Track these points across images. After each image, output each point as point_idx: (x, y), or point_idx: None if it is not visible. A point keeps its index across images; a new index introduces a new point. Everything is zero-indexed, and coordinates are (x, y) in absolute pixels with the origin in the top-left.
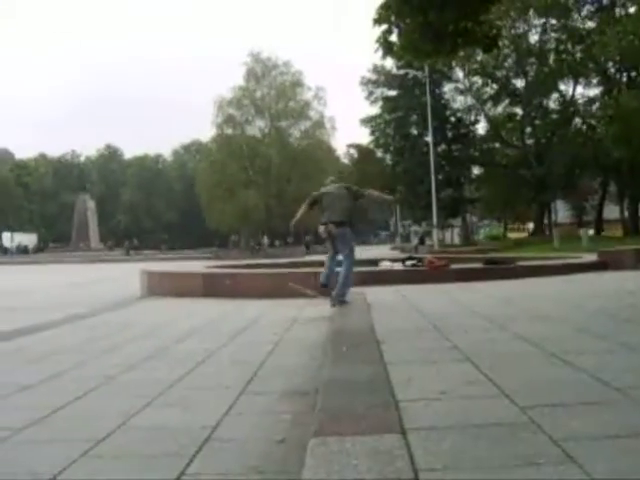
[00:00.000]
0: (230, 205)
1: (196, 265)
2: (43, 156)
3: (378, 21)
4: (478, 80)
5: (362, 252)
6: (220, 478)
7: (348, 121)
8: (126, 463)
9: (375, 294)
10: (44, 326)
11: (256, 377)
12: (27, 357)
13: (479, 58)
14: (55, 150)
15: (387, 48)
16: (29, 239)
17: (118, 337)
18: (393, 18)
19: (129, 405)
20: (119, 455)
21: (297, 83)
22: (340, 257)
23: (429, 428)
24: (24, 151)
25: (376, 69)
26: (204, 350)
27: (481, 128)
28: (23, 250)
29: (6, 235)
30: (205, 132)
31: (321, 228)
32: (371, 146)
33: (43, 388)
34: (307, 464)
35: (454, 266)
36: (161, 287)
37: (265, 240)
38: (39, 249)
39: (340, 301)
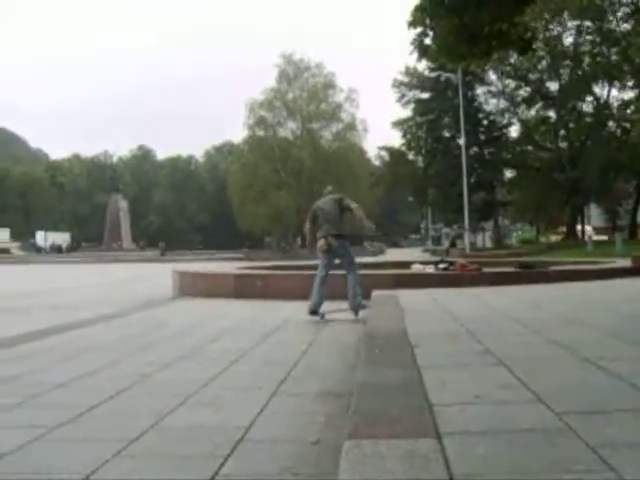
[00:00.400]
0: (262, 207)
1: (227, 266)
2: (77, 157)
3: (413, 24)
4: (511, 83)
5: (393, 255)
6: (254, 479)
7: (380, 123)
8: (159, 463)
9: (407, 297)
10: (78, 324)
11: (289, 378)
12: (61, 355)
13: (512, 60)
14: (89, 151)
15: (422, 50)
16: (62, 238)
17: (152, 336)
18: (428, 20)
19: (163, 404)
20: (152, 455)
21: (329, 85)
22: (336, 264)
23: (464, 433)
24: (58, 152)
25: (408, 71)
26: (237, 350)
27: (514, 131)
28: (57, 249)
29: (40, 234)
30: (237, 134)
31: (320, 242)
32: (403, 148)
33: (77, 386)
34: (342, 466)
35: (486, 270)
36: (193, 287)
37: (298, 242)
38: (72, 248)
39: (361, 308)
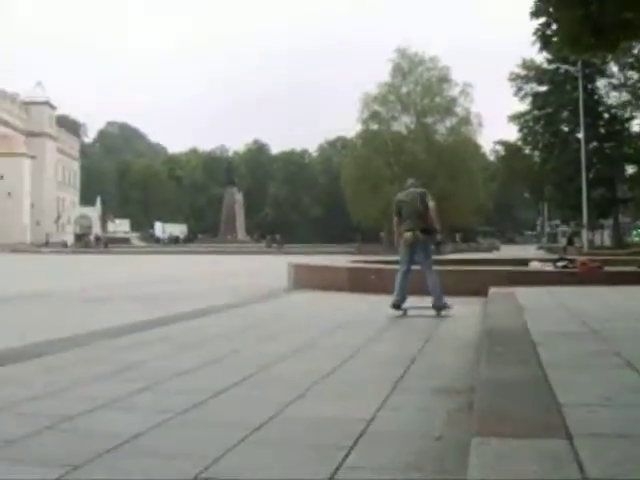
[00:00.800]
0: (374, 200)
1: (340, 259)
2: (194, 150)
3: (535, 14)
4: (634, 74)
5: (507, 251)
6: (378, 473)
7: (494, 117)
8: (283, 452)
9: (526, 295)
10: (198, 313)
11: (408, 373)
12: (183, 343)
13: (636, 51)
14: (205, 145)
15: (544, 42)
16: (180, 230)
17: (269, 328)
18: (551, 10)
19: (283, 395)
20: (276, 444)
21: (444, 79)
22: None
23: (596, 435)
24: (176, 146)
25: (525, 64)
26: (353, 344)
27: (636, 125)
28: (174, 240)
29: (158, 225)
30: (350, 128)
31: (407, 234)
32: (519, 143)
33: (200, 373)
34: (471, 464)
35: (607, 268)
36: (307, 280)
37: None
38: (189, 239)
39: (445, 308)
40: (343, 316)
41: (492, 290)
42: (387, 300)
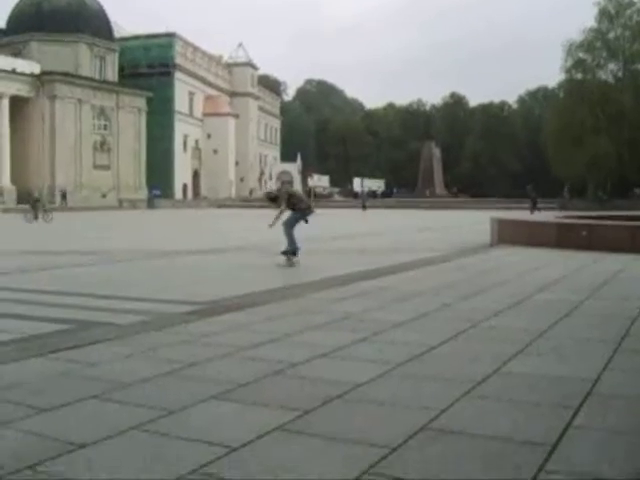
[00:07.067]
0: (578, 153)
1: (543, 215)
2: (391, 105)
3: None
4: None
5: None
6: (610, 435)
7: None
8: (508, 408)
9: None
10: (405, 267)
11: (630, 334)
12: (393, 296)
13: None
14: (402, 99)
15: None
16: (377, 184)
17: (478, 283)
18: None
19: (501, 350)
20: (500, 399)
21: None
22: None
23: None
24: (373, 101)
25: None
26: (568, 301)
27: None
28: (372, 195)
29: (356, 180)
30: (552, 78)
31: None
32: None
33: (415, 326)
34: None
35: None
36: (512, 235)
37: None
38: (386, 194)
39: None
40: (554, 273)
41: None
42: (599, 257)
